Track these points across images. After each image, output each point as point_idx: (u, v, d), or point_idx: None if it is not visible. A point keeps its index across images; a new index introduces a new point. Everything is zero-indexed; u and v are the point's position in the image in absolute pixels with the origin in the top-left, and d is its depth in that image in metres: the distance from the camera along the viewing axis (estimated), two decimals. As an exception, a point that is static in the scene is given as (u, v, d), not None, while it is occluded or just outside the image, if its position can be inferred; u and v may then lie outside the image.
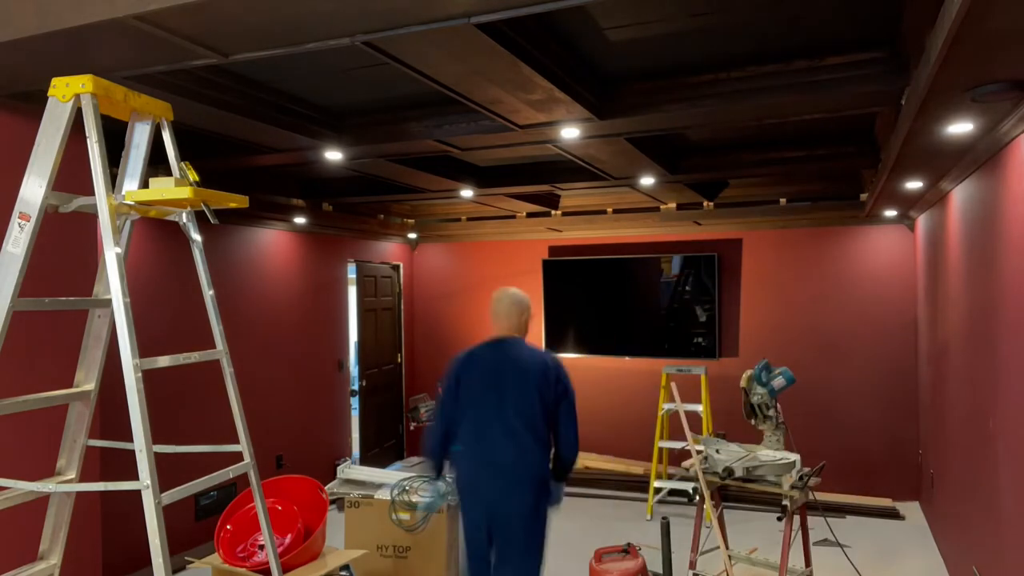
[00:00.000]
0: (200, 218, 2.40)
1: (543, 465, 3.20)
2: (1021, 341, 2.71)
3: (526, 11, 1.95)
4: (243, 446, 2.43)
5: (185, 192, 2.16)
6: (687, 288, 6.86)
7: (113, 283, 2.08)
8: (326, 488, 3.57)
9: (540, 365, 3.23)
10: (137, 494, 2.02)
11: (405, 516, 4.27)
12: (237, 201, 2.37)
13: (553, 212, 6.56)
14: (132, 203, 2.21)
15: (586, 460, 7.00)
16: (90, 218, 2.97)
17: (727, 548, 4.26)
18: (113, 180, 2.24)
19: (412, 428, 6.73)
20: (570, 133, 3.49)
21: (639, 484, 6.56)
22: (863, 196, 5.39)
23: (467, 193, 5.32)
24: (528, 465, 3.15)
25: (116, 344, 2.09)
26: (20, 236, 2.11)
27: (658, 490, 6.08)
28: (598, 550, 4.00)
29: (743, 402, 4.02)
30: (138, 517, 2.06)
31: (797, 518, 3.87)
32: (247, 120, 3.21)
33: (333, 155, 3.94)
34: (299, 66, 2.96)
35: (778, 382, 3.97)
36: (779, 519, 3.71)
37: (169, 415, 4.96)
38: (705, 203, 6.02)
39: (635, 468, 6.74)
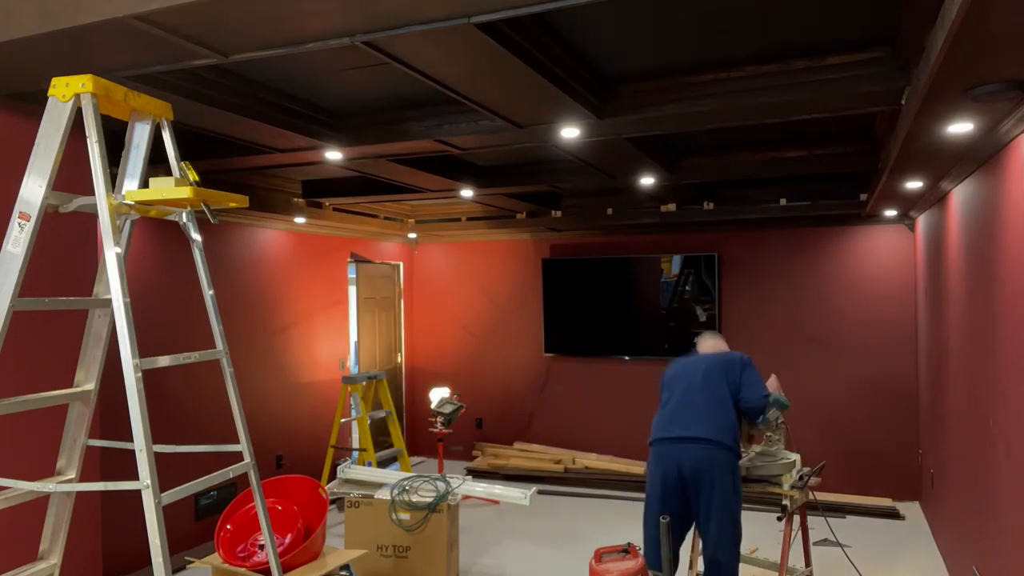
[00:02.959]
0: (200, 218, 2.40)
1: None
2: (1021, 341, 2.71)
3: (526, 11, 1.95)
4: (243, 446, 2.43)
5: (185, 192, 2.16)
6: (687, 288, 6.86)
7: (113, 283, 2.08)
8: (326, 488, 3.57)
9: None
10: (137, 494, 2.02)
11: (405, 516, 4.27)
12: (237, 201, 2.37)
13: (553, 212, 6.57)
14: (132, 203, 2.21)
15: (586, 460, 7.01)
16: (90, 218, 2.98)
17: (727, 548, 4.25)
18: (113, 180, 2.25)
19: (438, 431, 6.65)
20: (570, 133, 3.49)
21: (639, 484, 6.56)
22: (863, 196, 5.39)
23: (467, 193, 5.33)
24: None
25: (116, 344, 2.09)
26: (20, 236, 2.11)
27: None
28: (598, 550, 3.99)
29: (741, 433, 4.02)
30: (138, 517, 2.06)
31: (797, 518, 3.87)
32: (247, 120, 3.21)
33: (333, 155, 3.94)
34: (299, 66, 2.96)
35: (772, 414, 3.94)
36: (779, 519, 3.72)
37: (169, 415, 4.96)
38: (705, 203, 6.03)
39: (635, 468, 6.74)
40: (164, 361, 2.19)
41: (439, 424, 6.55)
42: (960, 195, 3.94)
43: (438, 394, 6.89)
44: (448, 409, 6.56)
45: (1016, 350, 2.79)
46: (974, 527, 3.73)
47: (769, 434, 4.01)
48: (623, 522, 5.80)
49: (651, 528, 3.74)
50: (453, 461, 7.56)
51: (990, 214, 3.19)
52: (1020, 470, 2.77)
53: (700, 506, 3.66)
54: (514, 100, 3.00)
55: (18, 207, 2.12)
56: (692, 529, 3.81)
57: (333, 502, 5.76)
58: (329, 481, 5.83)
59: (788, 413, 4.18)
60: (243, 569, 3.07)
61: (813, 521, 4.25)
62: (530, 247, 7.61)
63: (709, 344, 4.23)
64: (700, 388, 3.83)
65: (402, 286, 8.00)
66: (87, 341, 2.43)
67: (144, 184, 2.32)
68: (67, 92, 2.12)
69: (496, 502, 6.12)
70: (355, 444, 7.01)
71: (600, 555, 3.91)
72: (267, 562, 2.66)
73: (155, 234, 4.93)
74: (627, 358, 7.14)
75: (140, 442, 2.01)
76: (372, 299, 7.45)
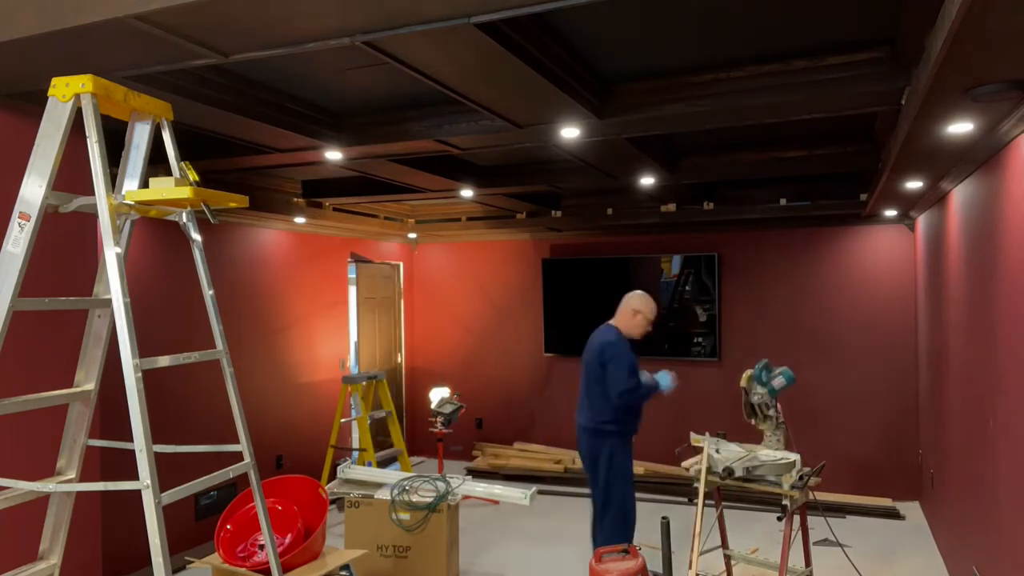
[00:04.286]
0: (200, 218, 2.40)
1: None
2: (1021, 341, 2.71)
3: (526, 11, 1.95)
4: (243, 446, 2.43)
5: (185, 192, 2.16)
6: (687, 288, 6.86)
7: (113, 283, 2.08)
8: (326, 488, 3.57)
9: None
10: (137, 494, 2.02)
11: (405, 516, 4.27)
12: (237, 201, 2.37)
13: (553, 212, 6.57)
14: (132, 203, 2.21)
15: (586, 460, 7.00)
16: (90, 218, 2.98)
17: (727, 548, 4.26)
18: (113, 180, 2.25)
19: (438, 431, 6.69)
20: (570, 133, 3.49)
21: (639, 484, 6.55)
22: (863, 196, 5.39)
23: (467, 193, 5.33)
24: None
25: (116, 344, 2.09)
26: (20, 236, 2.11)
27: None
28: (598, 550, 4.00)
29: (743, 402, 4.02)
30: (138, 517, 2.06)
31: (797, 518, 3.87)
32: (247, 120, 3.21)
33: (333, 155, 3.94)
34: (299, 66, 2.96)
35: (778, 382, 3.97)
36: (779, 519, 3.71)
37: (169, 415, 4.96)
38: (705, 203, 6.02)
39: (635, 468, 6.73)
40: (164, 361, 2.19)
41: (439, 424, 6.55)
42: (960, 195, 3.94)
43: (438, 394, 6.89)
44: (448, 409, 6.56)
45: (1016, 350, 2.79)
46: (974, 527, 3.73)
47: (768, 435, 4.02)
48: (623, 522, 5.79)
49: None
50: (453, 461, 7.56)
51: (990, 214, 3.19)
52: (1020, 470, 2.77)
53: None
54: (514, 100, 3.00)
55: (18, 207, 2.12)
56: (693, 529, 3.81)
57: (333, 502, 5.76)
58: (329, 481, 5.83)
59: (788, 413, 4.19)
60: (243, 569, 3.07)
61: (813, 521, 4.25)
62: (530, 247, 7.61)
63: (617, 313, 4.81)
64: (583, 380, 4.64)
65: (402, 286, 8.00)
66: (87, 341, 2.43)
67: (144, 184, 2.32)
68: (67, 92, 2.12)
69: (496, 502, 6.12)
70: (355, 444, 7.01)
71: (600, 555, 3.92)
72: (267, 562, 2.66)
73: (155, 234, 4.92)
74: (627, 358, 7.13)
75: (140, 442, 2.01)
76: (372, 299, 7.45)
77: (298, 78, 3.14)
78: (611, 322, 4.67)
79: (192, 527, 5.10)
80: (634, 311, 4.65)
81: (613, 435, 4.48)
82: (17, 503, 2.27)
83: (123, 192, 2.28)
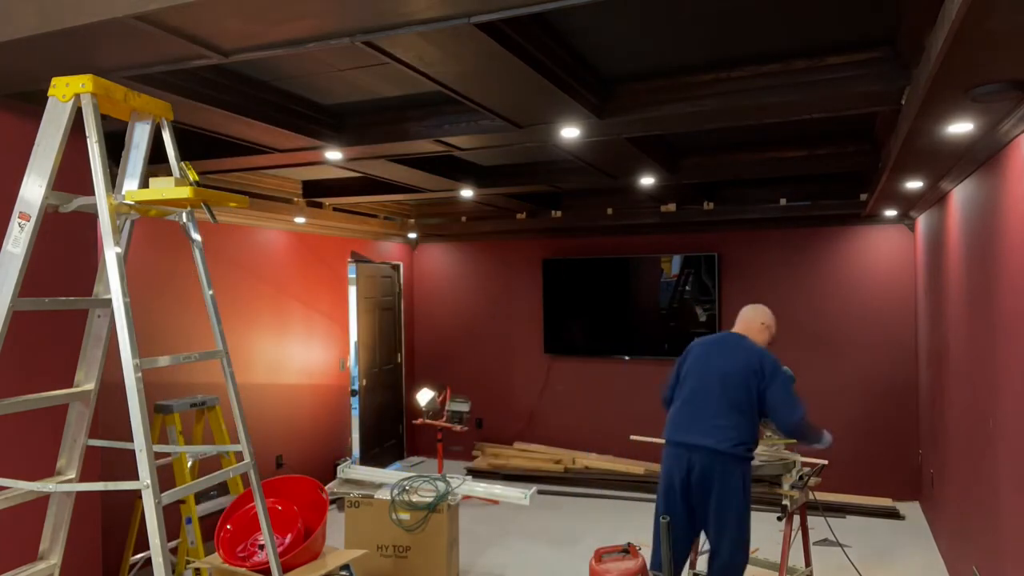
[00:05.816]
0: (200, 218, 2.40)
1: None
2: (1021, 341, 2.71)
3: (526, 11, 1.95)
4: (243, 446, 2.43)
5: (185, 192, 2.16)
6: (687, 288, 6.86)
7: (113, 283, 2.08)
8: (326, 488, 3.57)
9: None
10: (137, 494, 2.02)
11: (405, 516, 4.28)
12: (237, 201, 2.37)
13: (553, 212, 6.57)
14: (132, 203, 2.21)
15: (586, 460, 7.01)
16: (90, 218, 2.98)
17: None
18: (113, 180, 2.25)
19: (458, 430, 6.77)
20: (570, 133, 3.49)
21: (639, 484, 6.56)
22: (863, 196, 5.39)
23: (467, 193, 5.33)
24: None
25: (116, 344, 2.09)
26: (20, 236, 2.11)
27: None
28: (598, 550, 3.99)
29: None
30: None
31: (797, 518, 3.88)
32: (247, 120, 3.21)
33: (333, 155, 3.94)
34: (299, 66, 2.96)
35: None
36: (779, 519, 3.71)
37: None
38: (705, 203, 6.02)
39: (635, 468, 6.73)
40: (164, 361, 2.19)
41: (455, 424, 6.62)
42: (960, 195, 3.94)
43: (425, 396, 6.91)
44: (464, 408, 6.62)
45: (1016, 350, 2.79)
46: (974, 527, 3.73)
47: (769, 435, 4.01)
48: (623, 522, 5.80)
49: (657, 526, 3.66)
50: (453, 461, 7.56)
51: (990, 214, 3.19)
52: (1020, 470, 2.77)
53: (708, 513, 3.57)
54: (514, 100, 3.00)
55: (18, 207, 2.12)
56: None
57: (333, 502, 5.76)
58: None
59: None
60: (243, 569, 3.07)
61: (813, 521, 4.25)
62: (530, 247, 7.61)
63: (741, 324, 3.92)
64: (718, 393, 3.59)
65: (402, 286, 8.00)
66: (87, 341, 2.43)
67: (144, 184, 2.32)
68: (67, 92, 2.12)
69: (496, 502, 6.12)
70: (355, 444, 7.02)
71: (600, 555, 3.92)
72: (267, 562, 2.66)
73: (155, 234, 4.92)
74: (627, 358, 7.14)
75: (140, 442, 2.01)
76: (372, 299, 7.45)
77: (298, 78, 3.14)
78: (740, 331, 3.89)
79: (192, 527, 5.10)
80: (764, 325, 3.87)
81: (747, 461, 3.58)
82: (17, 503, 2.27)
83: (123, 192, 2.28)
